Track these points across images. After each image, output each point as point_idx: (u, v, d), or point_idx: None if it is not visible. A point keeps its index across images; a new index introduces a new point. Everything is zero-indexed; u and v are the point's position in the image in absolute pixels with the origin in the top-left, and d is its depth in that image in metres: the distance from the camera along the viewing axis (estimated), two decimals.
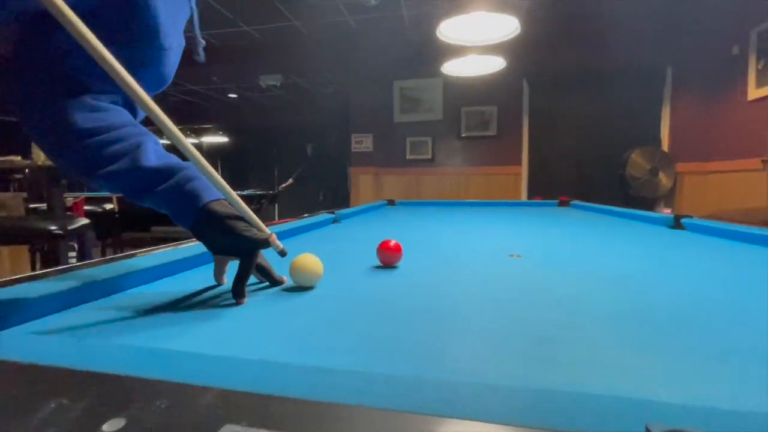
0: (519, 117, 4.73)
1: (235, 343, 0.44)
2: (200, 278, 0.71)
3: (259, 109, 7.96)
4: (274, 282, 0.67)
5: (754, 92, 3.60)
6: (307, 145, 6.25)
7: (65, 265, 2.18)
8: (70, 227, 1.92)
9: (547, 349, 0.42)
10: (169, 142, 0.55)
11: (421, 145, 4.94)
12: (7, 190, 3.10)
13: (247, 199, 2.38)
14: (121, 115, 0.61)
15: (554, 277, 0.78)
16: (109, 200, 3.15)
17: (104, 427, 0.22)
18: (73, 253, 2.51)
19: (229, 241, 0.58)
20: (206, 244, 0.62)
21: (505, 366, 0.38)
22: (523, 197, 4.68)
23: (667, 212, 3.40)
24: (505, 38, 2.10)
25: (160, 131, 0.58)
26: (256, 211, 0.62)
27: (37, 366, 0.30)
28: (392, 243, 0.86)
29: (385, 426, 0.23)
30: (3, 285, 0.53)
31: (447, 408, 0.25)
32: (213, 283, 0.66)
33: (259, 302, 0.59)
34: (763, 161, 3.43)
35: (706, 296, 0.64)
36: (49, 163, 2.27)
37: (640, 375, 0.36)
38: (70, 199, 2.82)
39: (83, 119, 0.56)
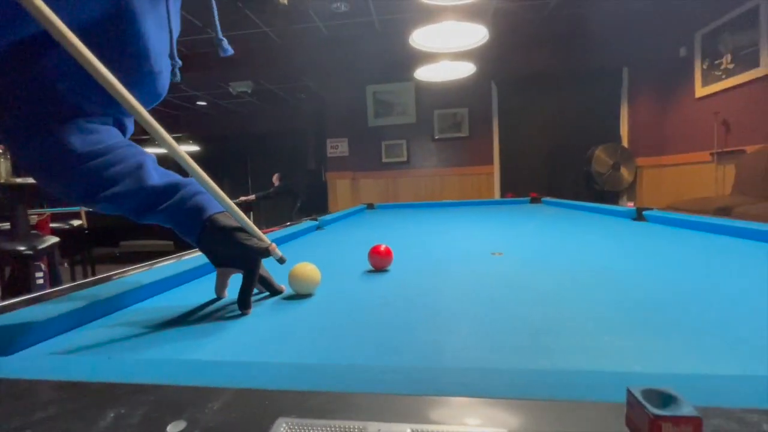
0: (489, 118, 4.89)
1: (255, 350, 0.47)
2: (197, 292, 0.72)
3: (230, 116, 7.82)
4: (275, 291, 0.69)
5: (700, 90, 3.90)
6: (274, 176, 5.83)
7: (32, 287, 2.09)
8: (39, 247, 1.85)
9: (540, 339, 0.47)
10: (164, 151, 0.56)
11: (396, 148, 5.01)
12: None
13: None
14: (116, 135, 0.62)
15: (536, 272, 0.84)
16: (76, 216, 3.02)
17: (168, 428, 0.25)
18: (40, 274, 2.40)
19: (232, 251, 0.60)
20: (210, 256, 0.63)
21: (503, 356, 0.43)
22: (496, 195, 4.83)
23: (630, 205, 3.61)
24: (475, 45, 2.18)
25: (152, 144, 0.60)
26: None
27: (77, 383, 0.32)
28: (383, 247, 0.90)
29: (406, 408, 0.27)
30: (8, 309, 0.53)
31: (460, 389, 0.29)
32: (212, 296, 0.67)
33: (263, 312, 0.62)
34: (711, 154, 3.71)
35: (671, 282, 0.72)
36: (12, 180, 2.17)
37: (619, 354, 0.42)
38: (34, 217, 2.69)
39: (81, 143, 0.56)
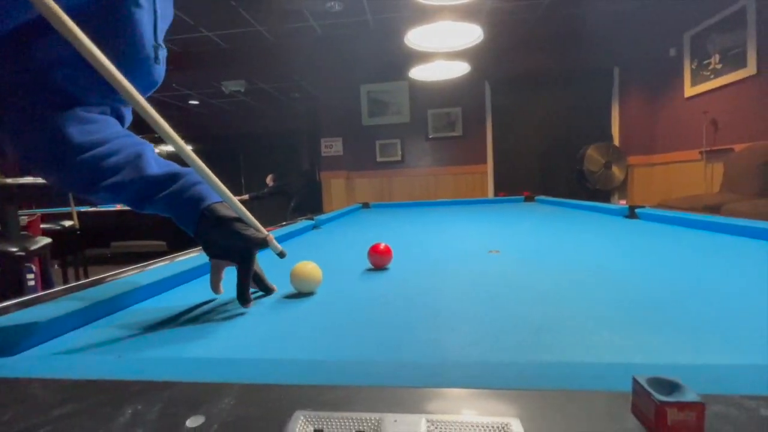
0: (482, 117, 4.92)
1: (260, 348, 0.47)
2: (197, 291, 0.72)
3: (223, 115, 7.76)
4: (266, 290, 0.68)
5: (689, 90, 3.96)
6: (268, 177, 5.75)
7: (23, 288, 2.06)
8: (31, 248, 1.82)
9: (540, 336, 0.48)
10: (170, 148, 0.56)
11: (390, 148, 5.02)
12: None
13: None
14: (114, 125, 0.61)
15: (533, 270, 0.86)
16: (68, 217, 2.98)
17: (188, 422, 0.25)
18: (31, 275, 2.36)
19: (229, 240, 0.59)
20: (206, 245, 0.62)
21: (505, 352, 0.44)
22: (490, 194, 4.86)
23: (622, 203, 3.66)
24: (470, 45, 2.20)
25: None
26: None
27: (89, 381, 0.32)
28: (382, 246, 0.90)
29: (420, 399, 0.27)
30: (7, 311, 0.53)
31: (469, 381, 0.30)
32: (211, 295, 0.67)
33: (265, 311, 0.62)
34: (700, 152, 3.78)
35: (666, 278, 0.73)
36: (1, 179, 2.13)
37: (618, 349, 0.43)
38: (24, 218, 2.65)
39: (79, 133, 0.56)
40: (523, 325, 0.51)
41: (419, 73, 3.35)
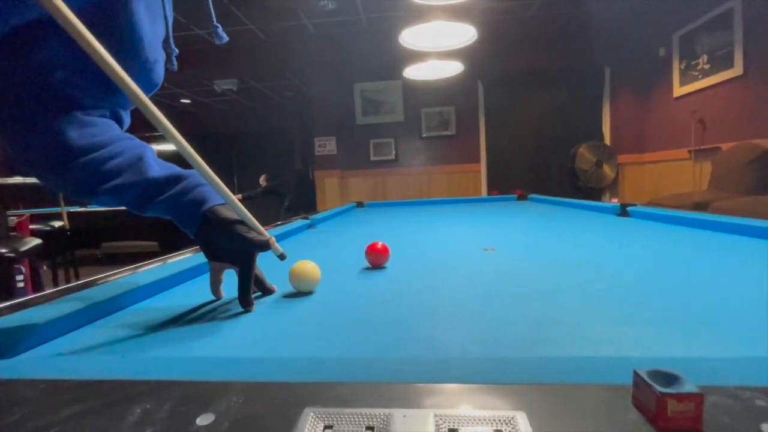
0: (476, 117, 4.95)
1: (262, 347, 0.47)
2: (196, 291, 0.72)
3: (215, 114, 7.69)
4: (266, 291, 0.68)
5: (678, 90, 4.03)
6: (261, 177, 5.68)
7: (13, 290, 2.02)
8: (21, 249, 1.79)
9: (539, 332, 0.49)
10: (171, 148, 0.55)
11: (384, 147, 5.02)
12: None
13: None
14: (114, 128, 0.61)
15: (530, 268, 0.87)
16: (58, 217, 2.94)
17: (198, 421, 0.26)
18: (21, 277, 2.33)
19: (231, 243, 0.59)
20: (207, 248, 0.62)
21: (507, 347, 0.45)
22: (483, 193, 4.90)
23: (615, 201, 3.71)
24: (463, 44, 2.21)
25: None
26: None
27: (95, 381, 0.32)
28: (380, 245, 0.91)
29: (427, 395, 0.28)
30: (2, 313, 0.52)
31: (474, 376, 0.31)
32: (208, 295, 0.66)
33: (265, 310, 0.62)
34: (689, 151, 3.85)
35: (658, 274, 0.75)
36: None
37: (615, 342, 0.44)
38: (13, 218, 2.61)
39: (79, 136, 0.55)
40: (522, 321, 0.52)
41: (413, 72, 3.36)
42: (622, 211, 1.67)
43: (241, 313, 0.59)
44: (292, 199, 5.34)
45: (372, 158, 5.04)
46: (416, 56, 3.00)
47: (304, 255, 0.75)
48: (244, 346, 0.48)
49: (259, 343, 0.49)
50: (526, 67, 4.77)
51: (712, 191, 3.29)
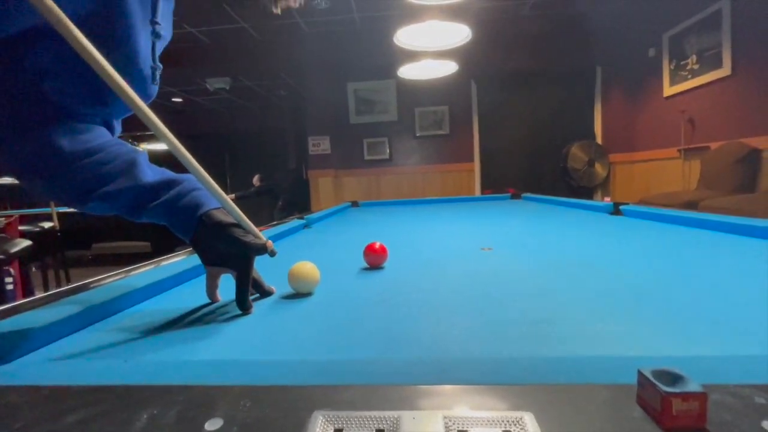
0: (469, 116, 4.97)
1: (263, 349, 0.47)
2: (193, 294, 0.71)
3: (207, 113, 7.62)
4: (264, 293, 0.68)
5: (668, 90, 4.09)
6: (254, 177, 5.63)
7: (4, 292, 1.98)
8: (10, 251, 1.76)
9: (538, 330, 0.49)
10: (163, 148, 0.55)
11: (378, 146, 5.02)
12: None
13: None
14: (105, 134, 0.60)
15: (527, 266, 0.88)
16: (47, 218, 2.89)
17: (206, 425, 0.26)
18: (10, 279, 2.28)
19: (228, 247, 0.59)
20: (203, 253, 0.62)
21: (508, 346, 0.45)
22: (477, 192, 4.92)
23: (607, 200, 3.76)
24: (458, 44, 2.22)
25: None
26: None
27: (98, 386, 0.32)
28: (377, 245, 0.91)
29: (436, 397, 0.28)
30: (1, 316, 0.51)
31: (480, 377, 0.31)
32: (205, 298, 0.65)
33: (265, 312, 0.62)
34: (678, 150, 3.91)
35: (652, 271, 0.76)
36: None
37: (612, 340, 0.45)
38: (1, 219, 2.56)
39: (69, 142, 0.55)
40: (522, 319, 0.53)
41: (407, 71, 3.36)
42: (615, 210, 1.69)
43: (240, 316, 0.59)
44: (286, 198, 5.31)
45: (366, 157, 5.04)
46: (410, 56, 3.00)
47: (302, 255, 0.75)
48: (247, 348, 0.48)
49: (261, 345, 0.49)
50: (520, 67, 4.80)
51: (701, 190, 3.35)
